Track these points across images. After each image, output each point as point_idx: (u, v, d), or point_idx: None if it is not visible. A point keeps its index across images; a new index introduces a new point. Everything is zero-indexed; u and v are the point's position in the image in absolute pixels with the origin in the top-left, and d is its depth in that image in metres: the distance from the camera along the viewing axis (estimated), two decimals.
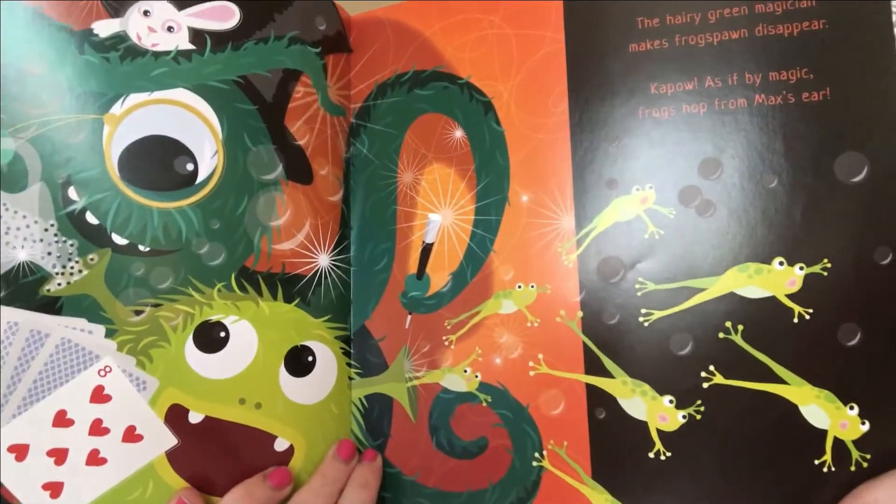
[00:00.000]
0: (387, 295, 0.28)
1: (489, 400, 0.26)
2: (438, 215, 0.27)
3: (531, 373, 0.25)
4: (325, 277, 0.27)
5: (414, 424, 0.27)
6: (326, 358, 0.27)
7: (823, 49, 0.23)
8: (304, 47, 0.27)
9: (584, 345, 0.25)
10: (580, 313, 0.25)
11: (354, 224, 0.28)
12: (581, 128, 0.25)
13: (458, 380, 0.26)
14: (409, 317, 0.27)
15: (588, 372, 0.25)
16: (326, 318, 0.27)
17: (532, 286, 0.26)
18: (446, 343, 0.27)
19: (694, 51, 0.24)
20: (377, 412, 0.27)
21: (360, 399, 0.28)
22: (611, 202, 0.25)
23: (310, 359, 0.26)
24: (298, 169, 0.26)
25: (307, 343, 0.26)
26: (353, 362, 0.28)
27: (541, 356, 0.25)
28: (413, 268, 0.27)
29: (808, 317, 0.23)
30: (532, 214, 0.26)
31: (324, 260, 0.27)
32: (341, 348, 0.27)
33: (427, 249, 0.27)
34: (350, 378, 0.28)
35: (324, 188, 0.27)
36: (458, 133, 0.27)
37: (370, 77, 0.29)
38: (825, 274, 0.23)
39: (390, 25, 0.29)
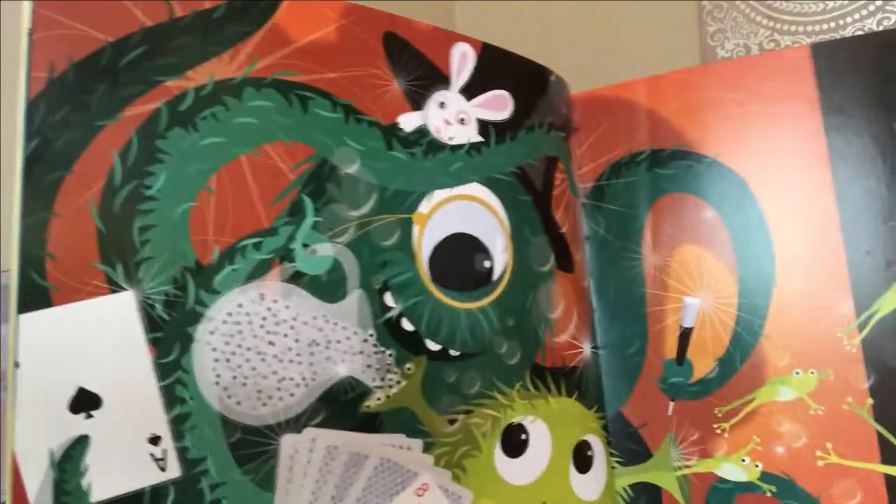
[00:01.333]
0: (642, 380, 0.27)
1: (774, 490, 0.26)
2: (696, 299, 0.27)
3: (820, 462, 0.25)
4: (590, 366, 0.26)
5: None
6: (599, 450, 0.26)
7: None
8: (557, 133, 0.26)
9: (878, 433, 0.25)
10: (870, 400, 0.25)
11: (598, 307, 0.28)
12: (848, 206, 0.26)
13: (735, 469, 0.26)
14: (672, 404, 0.27)
15: (886, 462, 0.25)
16: (595, 408, 0.26)
17: (812, 372, 0.26)
18: (718, 431, 0.26)
19: None
20: (644, 502, 0.27)
21: (624, 489, 0.27)
22: (893, 284, 0.25)
23: (589, 453, 0.25)
24: (564, 257, 0.26)
25: (588, 437, 0.25)
26: (612, 451, 0.27)
27: (829, 445, 0.25)
28: (671, 353, 0.27)
29: None
30: (805, 297, 0.26)
31: (587, 348, 0.26)
32: (607, 438, 0.27)
33: (686, 334, 0.27)
34: (612, 467, 0.27)
35: (580, 274, 0.27)
36: (710, 213, 0.27)
37: (601, 157, 0.29)
38: None
39: (619, 103, 0.29)
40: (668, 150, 0.28)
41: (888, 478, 0.25)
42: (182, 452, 0.19)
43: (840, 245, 0.26)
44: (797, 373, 0.26)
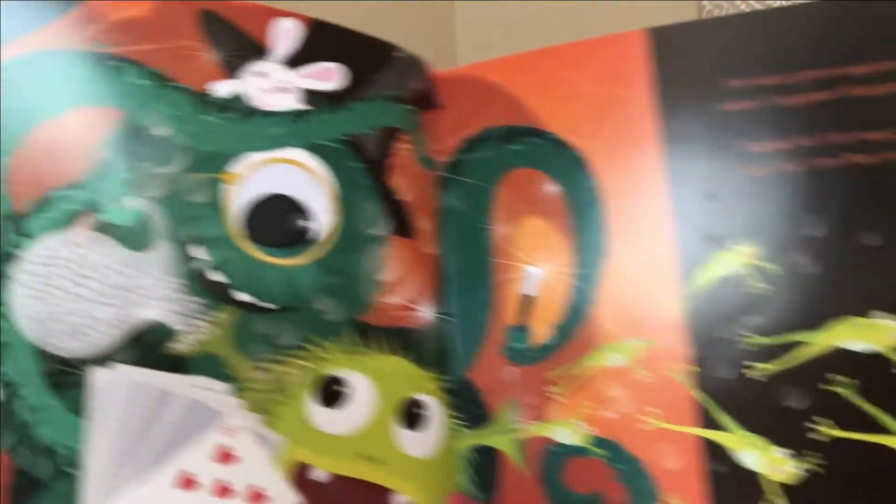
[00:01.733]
0: (487, 347, 0.28)
1: (604, 453, 0.26)
2: (536, 268, 0.28)
3: (645, 427, 0.26)
4: (431, 330, 0.27)
5: (525, 477, 0.27)
6: (436, 410, 0.27)
7: None
8: (400, 105, 0.28)
9: (696, 398, 0.25)
10: (690, 367, 0.25)
11: (453, 275, 0.29)
12: (677, 184, 0.26)
13: (568, 433, 0.27)
14: (512, 368, 0.28)
15: (702, 425, 0.25)
16: (433, 370, 0.27)
17: (640, 340, 0.26)
18: (553, 396, 0.27)
19: (785, 111, 0.25)
20: (485, 464, 0.27)
21: (467, 451, 0.28)
22: (713, 257, 0.25)
23: (422, 412, 0.26)
24: (401, 223, 0.27)
25: (418, 396, 0.26)
26: (457, 414, 0.28)
27: (654, 410, 0.26)
28: (513, 319, 0.28)
29: None
30: (634, 268, 0.26)
31: (429, 312, 0.27)
32: (447, 400, 0.27)
33: (526, 301, 0.28)
34: (455, 430, 0.28)
35: (423, 242, 0.28)
36: (552, 187, 0.28)
37: (459, 132, 0.30)
38: None
39: (477, 82, 0.30)
40: (519, 127, 0.29)
41: (704, 440, 0.25)
42: (3, 377, 0.21)
43: (669, 220, 0.26)
44: (626, 340, 0.26)
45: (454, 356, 0.28)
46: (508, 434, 0.27)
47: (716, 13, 1.62)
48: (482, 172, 0.29)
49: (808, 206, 0.25)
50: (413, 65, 0.29)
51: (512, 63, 0.30)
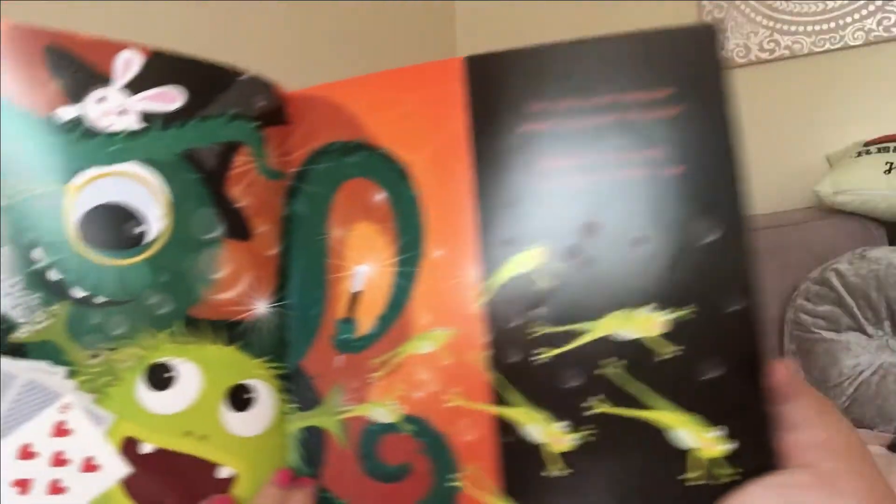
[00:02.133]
0: (320, 338, 0.31)
1: (412, 429, 0.29)
2: (365, 266, 0.31)
3: (448, 405, 0.29)
4: (264, 322, 0.30)
5: (346, 453, 0.30)
6: (265, 394, 0.30)
7: (680, 131, 0.27)
8: (243, 122, 0.31)
9: (491, 380, 0.28)
10: (487, 352, 0.28)
11: (294, 274, 0.32)
12: (483, 195, 0.29)
13: (383, 412, 0.30)
14: (340, 357, 0.31)
15: (495, 403, 0.28)
16: (266, 358, 0.30)
17: (446, 329, 0.29)
18: (373, 380, 0.30)
19: (576, 131, 0.28)
20: (313, 443, 0.31)
21: (297, 431, 0.31)
22: (510, 258, 0.28)
23: (249, 395, 0.30)
24: (237, 228, 0.30)
25: (247, 381, 0.30)
26: (291, 398, 0.31)
27: (456, 390, 0.29)
28: (343, 313, 0.31)
29: (678, 354, 0.26)
30: (444, 267, 0.29)
31: (262, 307, 0.30)
32: (281, 385, 0.31)
33: (355, 297, 0.31)
34: (288, 412, 0.31)
35: (261, 244, 0.31)
36: (381, 196, 0.31)
37: (306, 146, 0.33)
38: (693, 317, 0.26)
39: (322, 101, 0.33)
40: (354, 141, 0.32)
41: (497, 417, 0.28)
42: None
43: (475, 227, 0.29)
44: (435, 330, 0.29)
45: (290, 346, 0.31)
46: (335, 415, 0.30)
47: (715, 13, 1.51)
48: (324, 182, 0.32)
49: (591, 213, 0.28)
50: (258, 85, 0.32)
51: (353, 84, 0.33)
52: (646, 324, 0.27)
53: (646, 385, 0.27)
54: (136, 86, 0.29)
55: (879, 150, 1.16)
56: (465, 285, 0.29)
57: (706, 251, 0.26)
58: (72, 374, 0.27)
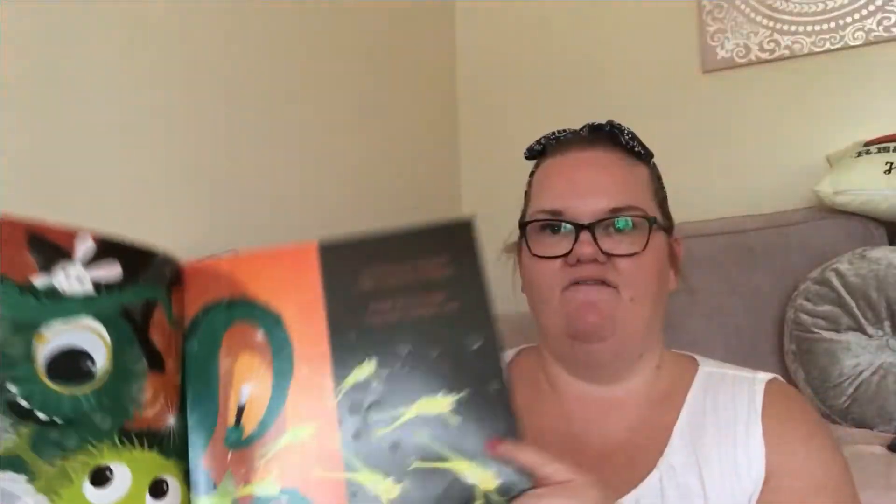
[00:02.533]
0: (215, 440, 0.43)
1: (286, 498, 0.42)
2: (248, 386, 0.45)
3: (312, 476, 0.43)
4: (174, 431, 0.42)
5: None
6: (175, 485, 0.41)
7: (454, 282, 0.47)
8: (158, 286, 0.44)
9: (342, 454, 0.43)
10: (339, 435, 0.44)
11: (190, 395, 0.44)
12: (333, 331, 0.45)
13: (264, 488, 0.42)
14: (230, 452, 0.43)
15: (345, 470, 0.43)
16: (175, 458, 0.41)
17: (310, 423, 0.44)
18: (257, 466, 0.43)
19: (391, 288, 0.47)
20: None
21: None
22: (354, 370, 0.45)
23: (165, 487, 0.40)
24: (156, 362, 0.42)
25: (163, 476, 0.40)
26: (194, 487, 0.42)
27: (317, 465, 0.43)
28: (232, 421, 0.44)
29: (461, 421, 0.44)
30: (308, 380, 0.45)
31: (172, 420, 0.42)
32: (186, 478, 0.42)
33: (241, 408, 0.44)
34: (192, 498, 0.42)
35: (171, 374, 0.43)
36: (260, 335, 0.46)
37: (199, 302, 0.46)
38: (469, 397, 0.44)
39: (211, 271, 0.47)
40: (240, 297, 0.46)
41: (346, 480, 0.43)
42: None
43: (329, 351, 0.45)
44: (300, 426, 0.44)
45: (192, 448, 0.43)
46: (228, 497, 0.42)
47: (715, 13, 1.58)
48: (214, 327, 0.46)
49: (403, 338, 0.46)
50: (168, 261, 0.45)
51: (237, 259, 0.48)
52: (441, 404, 0.45)
53: (444, 445, 0.44)
54: (88, 261, 0.40)
55: (879, 150, 1.14)
56: (324, 391, 0.44)
57: (474, 354, 0.45)
58: (31, 480, 0.35)
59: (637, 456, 0.58)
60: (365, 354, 0.45)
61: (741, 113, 1.47)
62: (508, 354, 0.72)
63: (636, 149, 0.62)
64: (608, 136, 0.63)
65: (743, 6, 1.47)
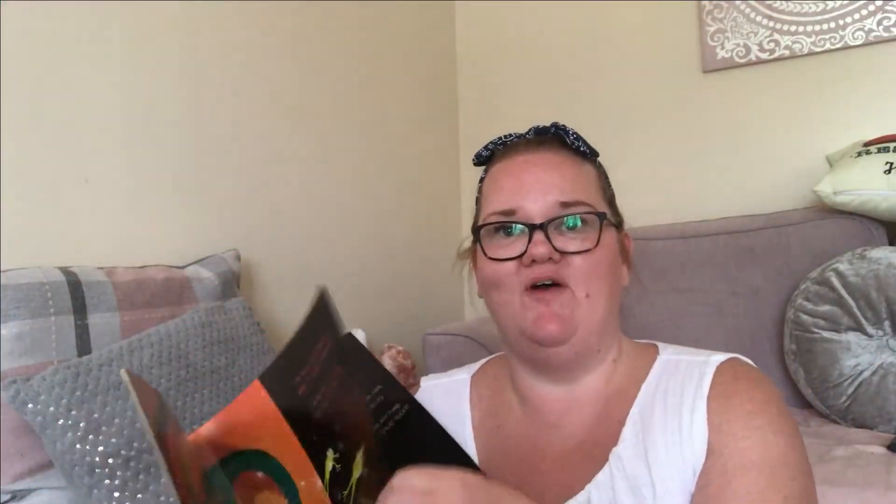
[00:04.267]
0: None
1: None
2: None
3: None
4: None
5: None
6: None
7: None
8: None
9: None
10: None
11: None
12: (306, 445, 0.44)
13: None
14: None
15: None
16: None
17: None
18: None
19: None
20: None
21: None
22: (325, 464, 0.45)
23: None
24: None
25: None
26: None
27: None
28: None
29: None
30: (307, 488, 0.44)
31: None
32: None
33: None
34: None
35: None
36: (260, 474, 0.45)
37: (199, 473, 0.44)
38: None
39: (193, 446, 0.45)
40: (227, 454, 0.45)
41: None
42: None
43: (309, 460, 0.45)
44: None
45: None
46: None
47: (715, 13, 1.53)
48: (223, 486, 0.44)
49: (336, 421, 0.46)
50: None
51: (208, 428, 0.46)
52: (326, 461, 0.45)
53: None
54: None
55: (879, 150, 1.13)
56: (317, 488, 0.44)
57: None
58: None
59: (594, 452, 0.59)
60: (325, 447, 0.46)
61: (741, 113, 1.48)
62: (479, 363, 0.73)
63: (581, 148, 0.63)
64: (554, 137, 0.64)
65: (743, 6, 1.48)
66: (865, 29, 1.36)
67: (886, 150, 1.13)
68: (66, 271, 0.82)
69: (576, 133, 0.63)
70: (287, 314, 1.22)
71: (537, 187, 0.60)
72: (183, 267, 0.99)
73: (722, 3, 1.50)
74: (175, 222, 1.07)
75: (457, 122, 1.85)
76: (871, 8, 1.36)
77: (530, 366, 0.63)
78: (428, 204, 1.71)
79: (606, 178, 0.67)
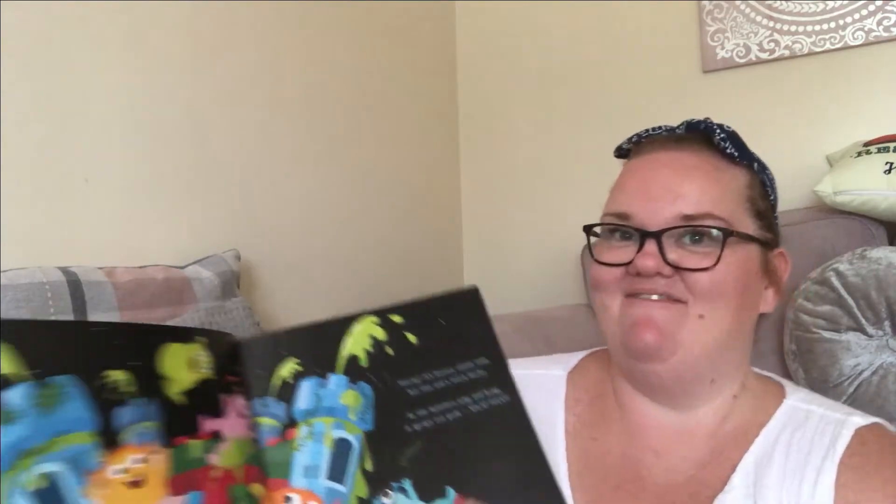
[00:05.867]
0: None
1: None
2: None
3: None
4: None
5: None
6: None
7: None
8: None
9: None
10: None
11: None
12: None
13: None
14: None
15: None
16: None
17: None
18: None
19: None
20: None
21: None
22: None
23: None
24: None
25: None
26: None
27: None
28: None
29: None
30: None
31: None
32: None
33: None
34: None
35: None
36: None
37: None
38: None
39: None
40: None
41: None
42: None
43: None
44: None
45: None
46: None
47: (715, 13, 1.48)
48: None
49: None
50: None
51: None
52: None
53: None
54: None
55: (879, 150, 1.13)
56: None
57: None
58: None
59: (699, 494, 0.53)
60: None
61: (741, 113, 1.46)
62: (576, 358, 0.67)
63: (728, 150, 0.55)
64: (701, 135, 0.56)
65: (743, 6, 1.48)
66: (865, 29, 1.36)
67: (886, 150, 1.12)
68: (66, 271, 0.82)
69: (727, 132, 0.56)
70: (287, 314, 1.21)
71: (660, 194, 0.54)
72: (183, 267, 0.99)
73: (722, 3, 1.50)
74: (175, 222, 1.06)
75: (457, 122, 1.85)
76: (871, 8, 1.36)
77: (632, 383, 0.58)
78: (428, 204, 1.71)
79: (764, 186, 0.59)
